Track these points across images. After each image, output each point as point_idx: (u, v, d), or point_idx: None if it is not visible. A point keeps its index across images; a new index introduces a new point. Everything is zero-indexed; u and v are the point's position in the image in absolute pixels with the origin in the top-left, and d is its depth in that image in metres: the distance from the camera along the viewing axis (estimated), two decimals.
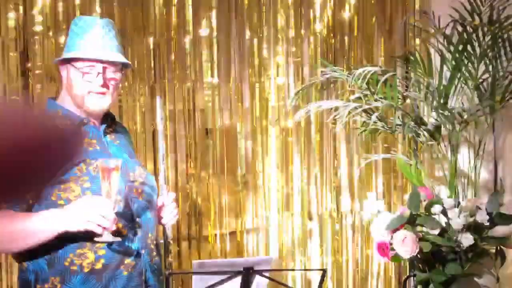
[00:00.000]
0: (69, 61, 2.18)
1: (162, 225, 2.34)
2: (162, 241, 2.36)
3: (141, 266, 2.19)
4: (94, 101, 2.18)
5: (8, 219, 2.05)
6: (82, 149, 0.93)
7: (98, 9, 3.52)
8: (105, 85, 2.17)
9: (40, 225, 2.04)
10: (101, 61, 2.17)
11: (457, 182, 2.92)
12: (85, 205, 2.01)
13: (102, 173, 2.03)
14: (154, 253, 2.25)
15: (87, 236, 2.06)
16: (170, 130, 3.60)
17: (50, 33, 3.48)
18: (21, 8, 3.39)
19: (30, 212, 2.10)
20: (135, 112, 3.58)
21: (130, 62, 2.33)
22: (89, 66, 2.16)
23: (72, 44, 2.20)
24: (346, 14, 3.81)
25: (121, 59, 2.22)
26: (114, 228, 2.03)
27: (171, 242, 2.34)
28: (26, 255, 2.13)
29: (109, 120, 2.31)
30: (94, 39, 2.17)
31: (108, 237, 2.03)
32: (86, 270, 2.11)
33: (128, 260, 2.16)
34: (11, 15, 3.38)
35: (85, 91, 2.17)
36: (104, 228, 2.01)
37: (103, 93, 2.18)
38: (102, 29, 2.19)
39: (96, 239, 2.04)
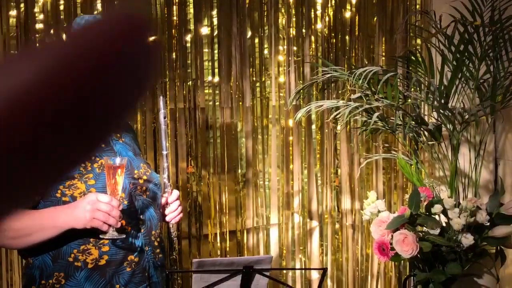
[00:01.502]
0: None
1: (166, 223, 2.35)
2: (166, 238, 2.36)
3: (144, 263, 2.20)
4: None
5: (15, 216, 2.06)
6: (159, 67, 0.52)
7: (99, 7, 3.52)
8: None
9: (47, 222, 2.05)
10: None
11: (458, 182, 2.92)
12: (90, 203, 2.01)
13: (107, 171, 2.03)
14: (158, 250, 2.25)
15: (92, 233, 2.07)
16: (170, 128, 3.60)
17: (51, 31, 3.48)
18: (22, 6, 3.39)
19: (36, 209, 2.11)
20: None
21: None
22: None
23: None
24: (347, 14, 3.81)
25: None
26: (119, 225, 2.04)
27: (175, 240, 2.34)
28: (32, 251, 2.13)
29: None
30: None
31: (113, 234, 2.04)
32: (90, 266, 2.11)
33: (131, 257, 2.16)
34: (12, 13, 3.38)
35: None
36: (109, 225, 2.02)
37: None
38: None
39: (101, 236, 2.04)
